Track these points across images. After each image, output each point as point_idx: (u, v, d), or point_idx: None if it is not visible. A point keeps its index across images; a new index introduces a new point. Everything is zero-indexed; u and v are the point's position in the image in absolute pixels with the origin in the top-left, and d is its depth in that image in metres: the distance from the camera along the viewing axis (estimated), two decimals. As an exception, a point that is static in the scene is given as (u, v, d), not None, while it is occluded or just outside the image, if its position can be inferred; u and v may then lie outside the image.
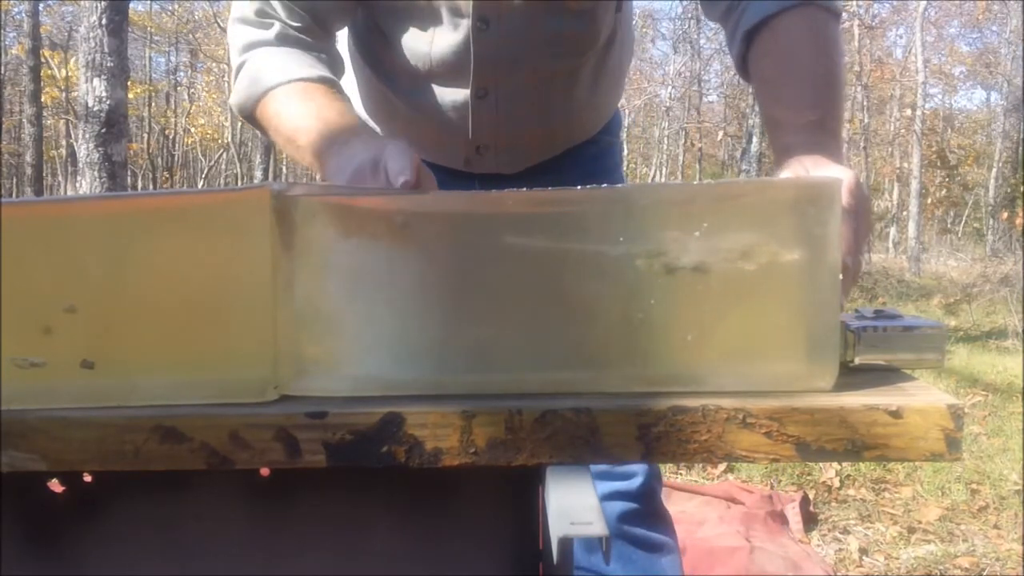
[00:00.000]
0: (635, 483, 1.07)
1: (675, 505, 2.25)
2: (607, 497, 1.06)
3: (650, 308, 0.49)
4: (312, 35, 0.87)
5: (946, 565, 2.13)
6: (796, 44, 0.79)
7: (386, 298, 0.51)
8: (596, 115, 1.09)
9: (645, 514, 1.08)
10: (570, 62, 0.96)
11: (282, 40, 0.86)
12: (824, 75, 0.77)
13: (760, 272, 0.49)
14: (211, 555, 0.53)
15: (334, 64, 0.89)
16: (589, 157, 1.09)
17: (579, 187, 0.50)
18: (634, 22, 1.12)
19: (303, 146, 0.78)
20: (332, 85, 0.84)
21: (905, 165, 18.31)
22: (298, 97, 0.81)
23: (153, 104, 21.68)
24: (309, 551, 0.53)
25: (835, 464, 2.75)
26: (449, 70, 0.93)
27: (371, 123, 1.09)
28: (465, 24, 0.89)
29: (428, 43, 0.91)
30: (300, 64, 0.84)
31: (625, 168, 1.23)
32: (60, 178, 19.87)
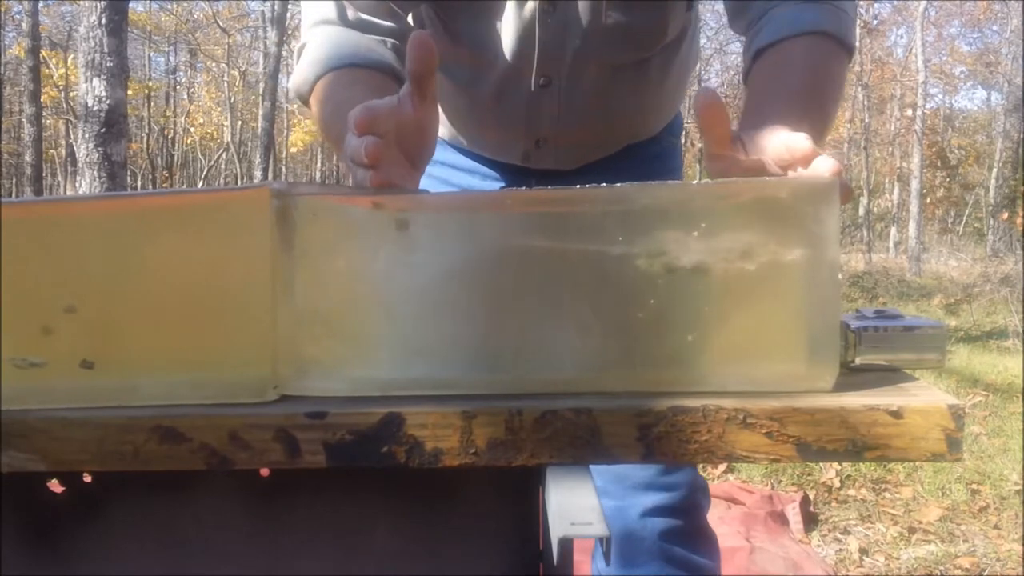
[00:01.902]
0: (677, 496, 1.01)
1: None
2: (649, 513, 1.00)
3: (650, 308, 0.49)
4: (377, 14, 0.82)
5: (946, 565, 2.13)
6: (792, 67, 0.78)
7: (386, 298, 0.51)
8: (659, 114, 1.06)
9: (688, 533, 1.02)
10: (636, 56, 0.93)
11: (343, 19, 0.82)
12: (813, 100, 0.75)
13: (760, 272, 0.49)
14: (211, 555, 0.53)
15: (403, 46, 0.85)
16: (651, 156, 1.06)
17: (578, 186, 0.50)
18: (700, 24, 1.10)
19: (335, 141, 0.73)
20: (384, 70, 0.79)
21: (905, 165, 18.30)
22: (341, 86, 0.77)
23: (152, 104, 21.68)
24: (309, 551, 0.53)
25: (835, 464, 2.75)
26: (512, 57, 0.90)
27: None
28: (531, 7, 0.86)
29: (492, 29, 0.89)
30: (356, 48, 0.79)
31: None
32: (60, 178, 19.88)
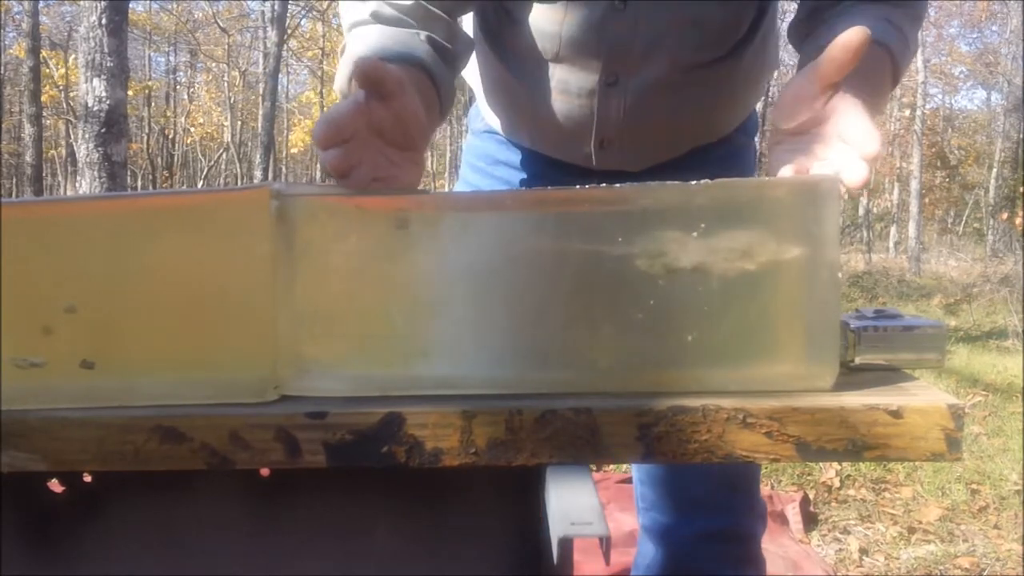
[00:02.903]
0: (737, 522, 0.96)
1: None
2: (705, 539, 0.95)
3: (650, 308, 0.49)
4: (414, 14, 0.81)
5: (946, 565, 2.13)
6: (860, 73, 0.76)
7: (386, 298, 0.51)
8: (730, 115, 1.02)
9: (742, 560, 0.97)
10: (710, 54, 0.90)
11: (377, 17, 0.80)
12: (882, 69, 0.73)
13: (760, 272, 0.49)
14: (211, 555, 0.53)
15: (452, 42, 0.82)
16: (720, 157, 1.03)
17: (578, 187, 0.50)
18: (779, 26, 1.07)
19: None
20: (412, 63, 0.76)
21: (905, 165, 18.31)
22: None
23: (153, 104, 21.69)
24: (309, 551, 0.53)
25: (835, 464, 2.75)
26: (579, 53, 0.88)
27: (491, 114, 1.04)
28: (603, 4, 0.84)
29: (559, 22, 0.86)
30: (384, 42, 0.78)
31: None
32: (60, 178, 19.88)
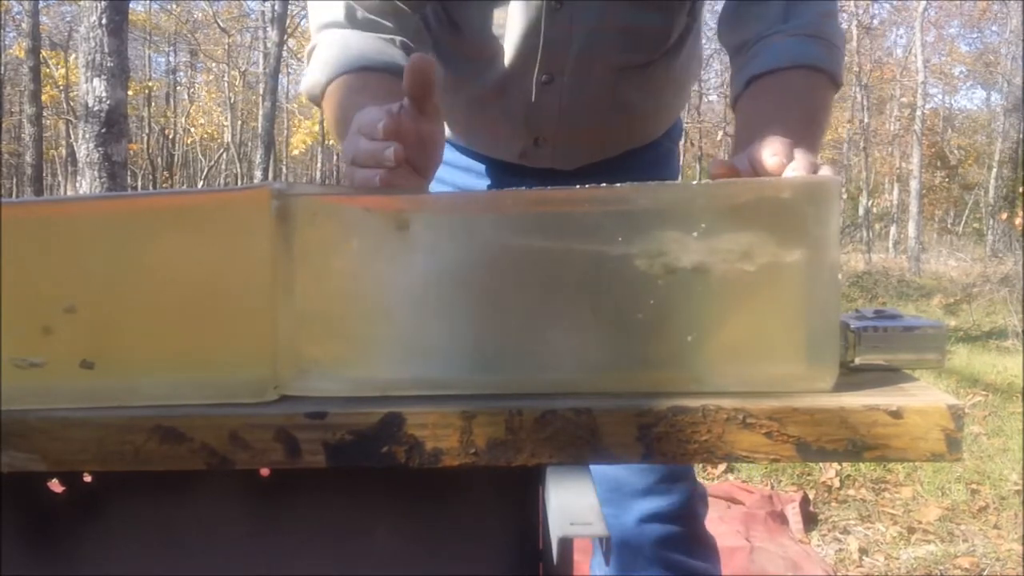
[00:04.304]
0: (675, 503, 1.01)
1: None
2: (646, 519, 1.01)
3: (650, 308, 0.49)
4: (384, 14, 0.82)
5: (946, 565, 2.13)
6: (789, 96, 0.80)
7: (386, 298, 0.51)
8: (659, 118, 1.06)
9: (685, 539, 1.02)
10: (640, 57, 0.94)
11: (352, 20, 0.82)
12: (805, 129, 0.76)
13: (760, 272, 0.49)
14: (211, 555, 0.53)
15: (413, 45, 0.84)
16: (647, 162, 1.07)
17: (578, 187, 0.50)
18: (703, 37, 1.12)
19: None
20: (394, 71, 0.78)
21: (905, 165, 18.31)
22: (353, 91, 0.77)
23: (153, 104, 21.68)
24: (309, 551, 0.53)
25: (835, 464, 2.75)
26: (518, 52, 0.90)
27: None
28: (538, 5, 0.87)
29: (499, 24, 0.89)
30: (365, 50, 0.79)
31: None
32: (60, 178, 19.88)
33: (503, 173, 1.04)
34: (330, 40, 0.82)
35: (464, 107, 1.00)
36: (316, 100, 0.82)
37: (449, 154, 1.08)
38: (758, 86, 0.81)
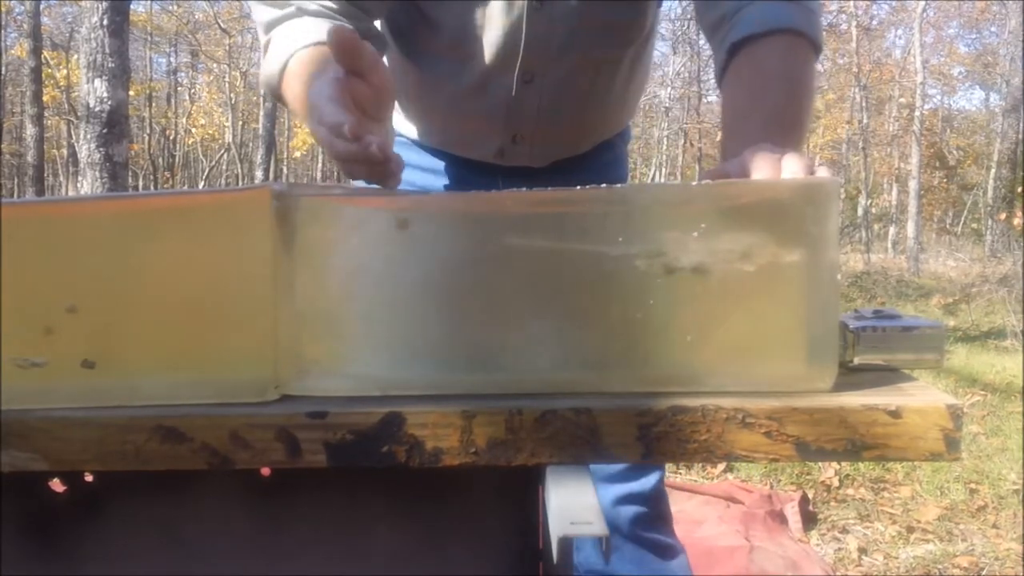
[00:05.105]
0: (648, 484, 1.06)
1: (674, 504, 2.24)
2: (620, 501, 1.05)
3: (650, 308, 0.49)
4: (341, 13, 0.82)
5: (945, 565, 2.13)
6: (769, 79, 0.80)
7: (386, 298, 0.51)
8: (624, 111, 1.09)
9: (656, 517, 1.08)
10: (616, 52, 0.96)
11: (302, 12, 0.81)
12: (791, 115, 0.78)
13: (759, 272, 0.49)
14: (212, 555, 0.53)
15: (377, 43, 0.84)
16: (606, 163, 1.10)
17: (579, 187, 0.50)
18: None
19: (311, 124, 0.72)
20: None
21: (904, 165, 18.31)
22: (307, 66, 0.76)
23: (154, 105, 21.68)
24: (310, 551, 0.54)
25: (834, 464, 2.75)
26: (498, 51, 0.91)
27: (403, 118, 1.07)
28: (519, 4, 0.88)
29: (478, 24, 0.89)
30: (319, 29, 0.78)
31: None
32: (62, 178, 19.88)
33: (473, 173, 1.04)
34: (284, 31, 0.81)
35: (441, 107, 1.01)
36: (275, 87, 0.81)
37: (415, 156, 1.08)
38: (737, 65, 0.82)
